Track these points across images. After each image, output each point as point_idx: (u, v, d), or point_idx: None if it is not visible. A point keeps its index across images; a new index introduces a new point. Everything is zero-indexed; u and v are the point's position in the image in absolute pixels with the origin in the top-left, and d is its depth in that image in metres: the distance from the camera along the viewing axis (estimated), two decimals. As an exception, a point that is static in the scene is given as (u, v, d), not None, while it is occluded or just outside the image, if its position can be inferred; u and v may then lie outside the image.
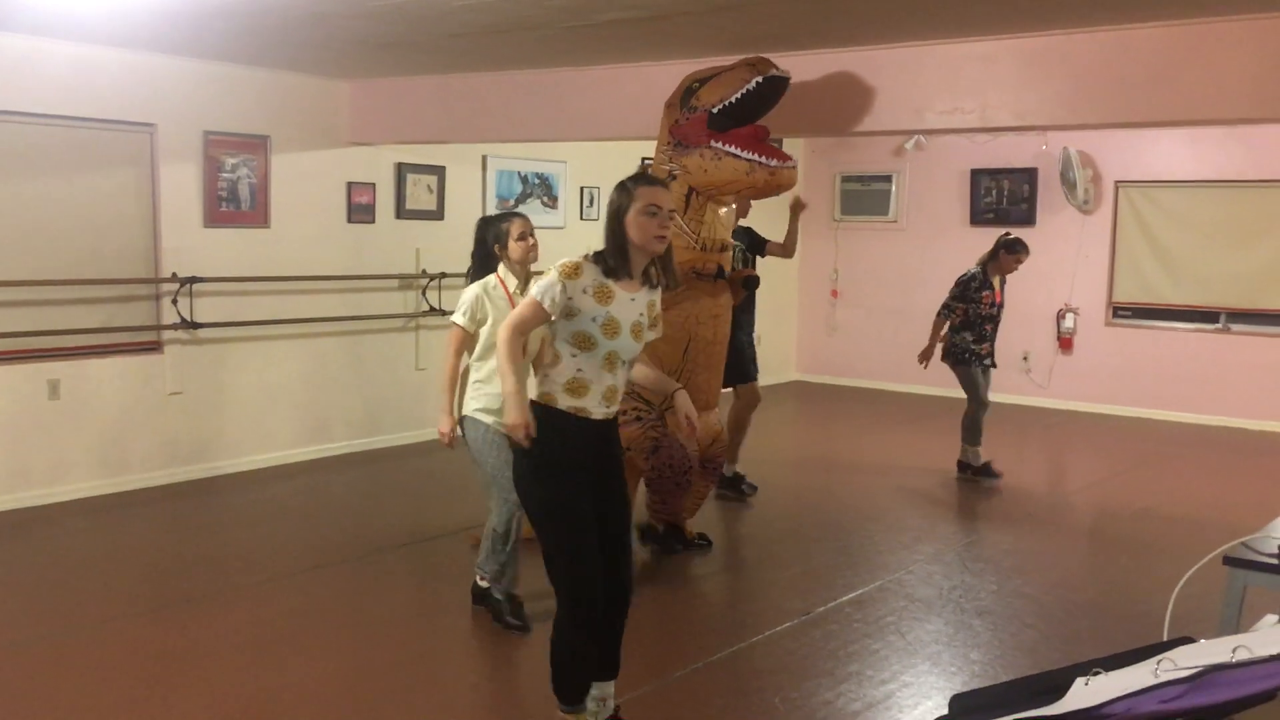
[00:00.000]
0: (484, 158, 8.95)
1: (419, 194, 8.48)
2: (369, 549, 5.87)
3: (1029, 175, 10.97)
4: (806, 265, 12.40)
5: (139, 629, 4.81)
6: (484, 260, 4.86)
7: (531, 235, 4.81)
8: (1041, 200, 10.94)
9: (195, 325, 7.12)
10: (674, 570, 5.84)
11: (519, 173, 9.27)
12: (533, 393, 3.51)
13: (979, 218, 11.20)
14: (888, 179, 11.82)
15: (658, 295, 3.65)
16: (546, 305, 3.40)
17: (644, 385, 3.86)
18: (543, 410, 3.46)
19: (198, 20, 5.62)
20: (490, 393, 4.63)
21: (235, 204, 7.38)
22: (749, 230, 7.49)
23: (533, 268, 4.81)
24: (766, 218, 7.83)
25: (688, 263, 5.70)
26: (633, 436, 5.84)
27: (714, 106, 5.58)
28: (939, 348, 7.83)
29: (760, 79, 5.48)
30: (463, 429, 4.77)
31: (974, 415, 7.82)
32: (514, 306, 4.61)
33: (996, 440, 8.37)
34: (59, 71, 6.46)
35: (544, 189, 9.49)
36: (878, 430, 9.99)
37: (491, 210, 9.00)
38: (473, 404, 4.73)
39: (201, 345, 7.26)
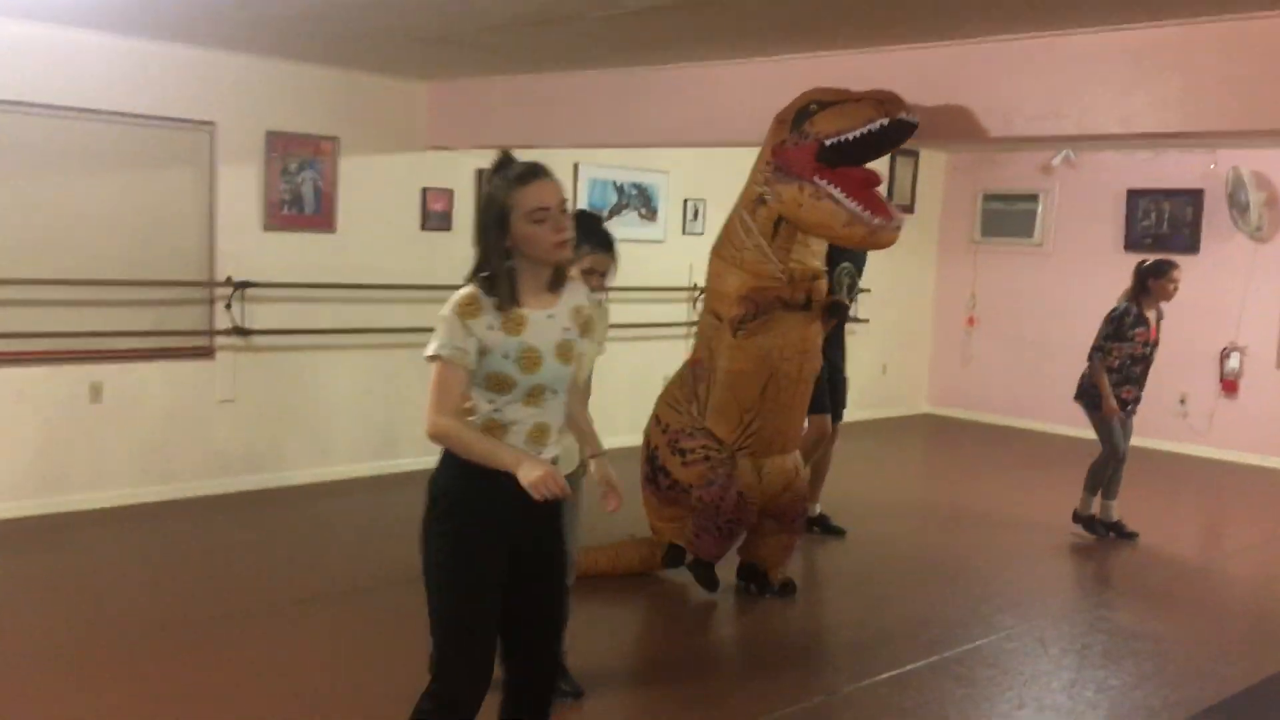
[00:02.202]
0: (575, 165, 8.47)
1: (503, 202, 8.05)
2: (418, 574, 5.48)
3: (1194, 197, 9.81)
4: (942, 290, 11.49)
5: (152, 649, 4.56)
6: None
7: (601, 279, 4.01)
8: (1207, 225, 9.76)
9: (247, 332, 6.87)
10: (700, 612, 5.22)
11: (614, 182, 8.76)
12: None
13: (1135, 243, 10.08)
14: (1034, 198, 10.81)
15: (582, 294, 3.02)
16: (455, 358, 2.75)
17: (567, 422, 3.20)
18: (454, 458, 2.86)
19: (214, 8, 5.32)
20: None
21: (299, 207, 7.11)
22: (865, 258, 6.76)
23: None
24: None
25: (773, 292, 5.09)
26: (698, 474, 5.31)
27: (829, 139, 4.84)
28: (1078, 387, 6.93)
29: (887, 120, 4.72)
30: None
31: (1102, 465, 6.88)
32: None
33: (1143, 491, 7.42)
34: (113, 66, 6.29)
35: (642, 200, 8.95)
36: (1006, 473, 9.04)
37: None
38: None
39: (257, 353, 7.01)
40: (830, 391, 6.61)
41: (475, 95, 7.39)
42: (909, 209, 11.04)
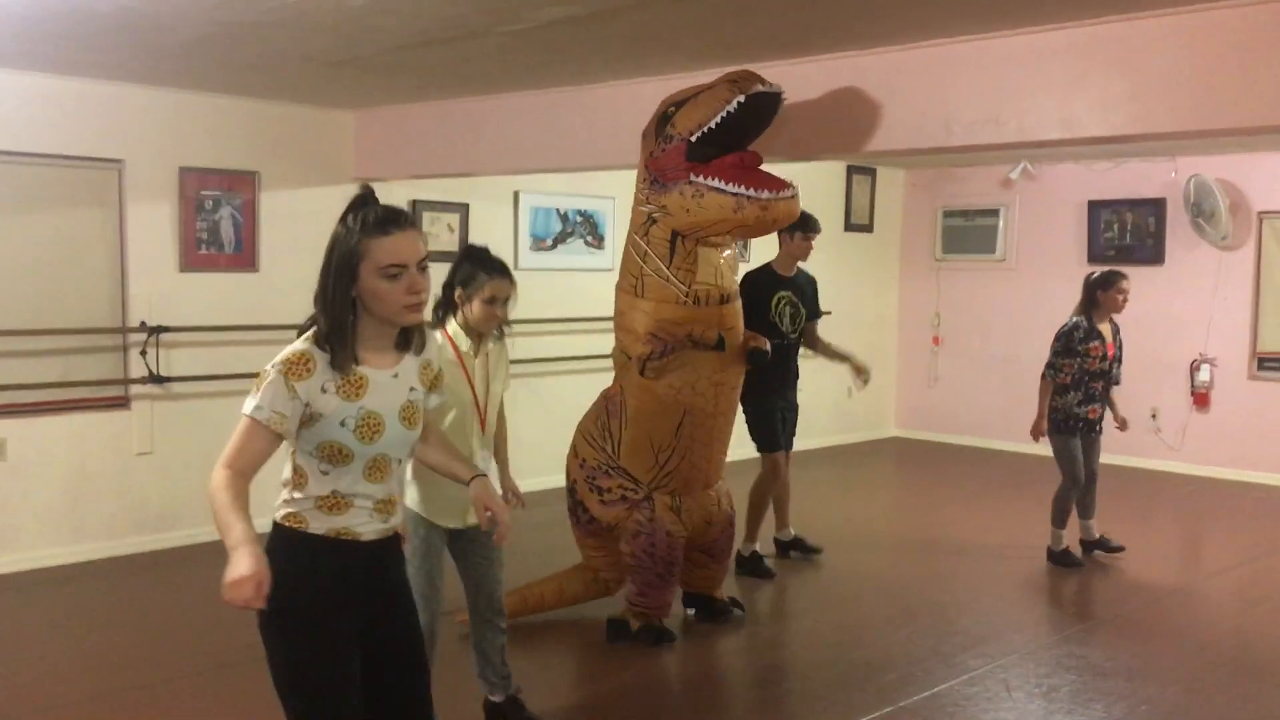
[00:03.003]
0: (516, 194, 8.15)
1: (439, 233, 7.72)
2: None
3: (1156, 207, 9.55)
4: (906, 310, 11.20)
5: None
6: (445, 303, 3.94)
7: (504, 307, 3.86)
8: (1171, 235, 9.50)
9: (164, 379, 6.49)
10: (648, 654, 4.86)
11: (558, 209, 8.43)
12: (276, 512, 2.58)
13: (1099, 255, 9.80)
14: (994, 213, 10.54)
15: (434, 348, 2.70)
16: (270, 423, 2.40)
17: (435, 469, 2.87)
18: (288, 537, 2.52)
19: (90, 39, 4.97)
20: (431, 484, 3.81)
21: (217, 246, 6.75)
22: (812, 282, 6.45)
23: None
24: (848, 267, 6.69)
25: (681, 323, 4.79)
26: (618, 517, 5.06)
27: (692, 134, 4.65)
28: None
29: (743, 97, 4.53)
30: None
31: (1065, 494, 6.55)
32: (466, 374, 3.81)
33: (1116, 511, 7.11)
34: (7, 103, 5.93)
35: (588, 228, 8.63)
36: (976, 498, 8.70)
37: (526, 250, 8.20)
38: (411, 492, 3.91)
39: (176, 401, 6.62)
40: (787, 424, 6.32)
41: (403, 123, 7.06)
42: (868, 228, 10.77)
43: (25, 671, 4.79)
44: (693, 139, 4.65)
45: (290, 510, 2.54)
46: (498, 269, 3.84)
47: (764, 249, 7.32)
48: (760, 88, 4.53)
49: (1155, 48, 4.10)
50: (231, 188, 6.78)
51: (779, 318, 6.16)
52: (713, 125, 4.59)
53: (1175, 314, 9.34)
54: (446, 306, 3.93)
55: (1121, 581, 6.39)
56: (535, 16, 4.30)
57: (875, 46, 4.77)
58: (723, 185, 4.60)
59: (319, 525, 2.52)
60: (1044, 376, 6.49)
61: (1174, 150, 9.12)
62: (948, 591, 6.11)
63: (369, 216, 2.45)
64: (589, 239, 8.63)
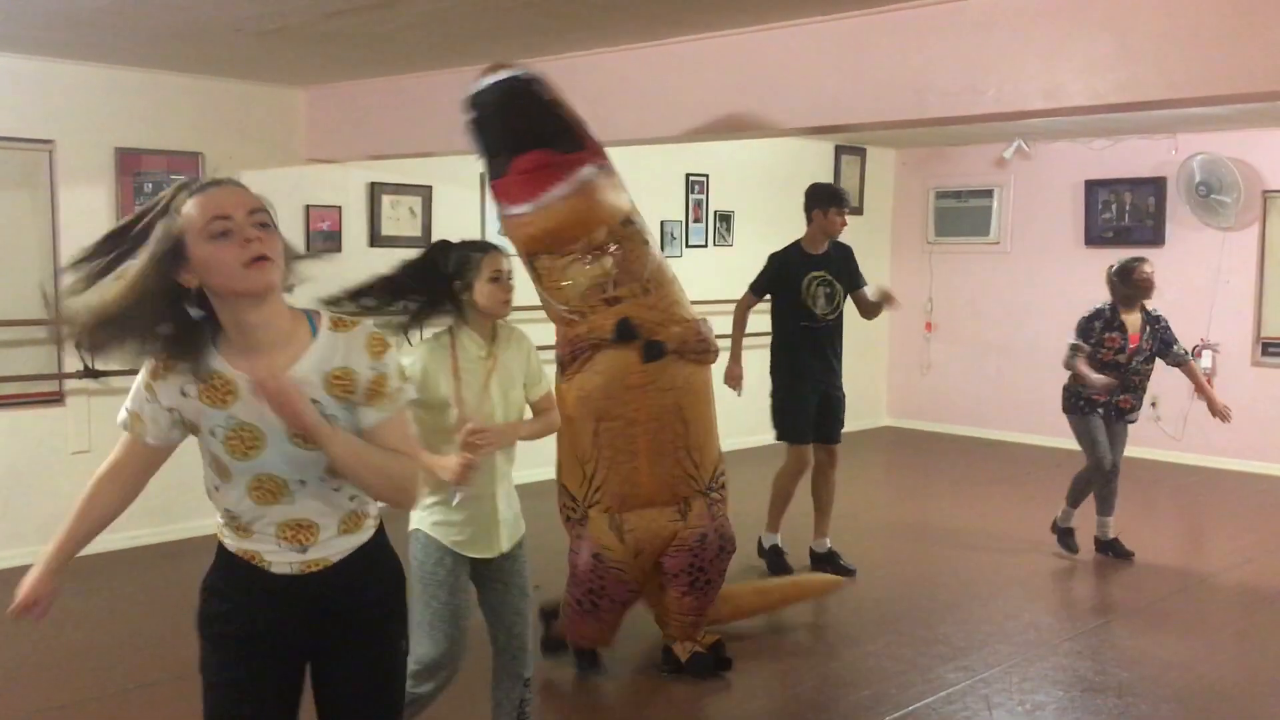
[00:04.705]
0: (482, 175, 7.75)
1: (399, 218, 7.35)
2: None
3: (1156, 186, 9.15)
4: (897, 294, 10.72)
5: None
6: (434, 299, 3.37)
7: (509, 280, 3.41)
8: (1172, 216, 9.11)
9: (100, 374, 6.11)
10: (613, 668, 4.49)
11: (527, 192, 8.04)
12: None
13: (1096, 237, 9.43)
14: (988, 194, 10.14)
15: (358, 350, 2.20)
16: (126, 424, 2.19)
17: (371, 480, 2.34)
18: (217, 544, 2.29)
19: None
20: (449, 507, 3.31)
21: (159, 232, 6.38)
22: (846, 251, 6.07)
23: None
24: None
25: (580, 338, 4.29)
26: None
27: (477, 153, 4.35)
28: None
29: (471, 105, 4.21)
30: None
31: (1086, 476, 6.25)
32: (485, 384, 3.33)
33: (1119, 503, 6.74)
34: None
35: (560, 210, 8.23)
36: (969, 490, 8.33)
37: (494, 236, 7.81)
38: (423, 514, 3.35)
39: (114, 396, 6.17)
40: (828, 413, 5.97)
41: (356, 100, 6.68)
42: (857, 211, 10.37)
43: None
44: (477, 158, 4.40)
45: (219, 520, 2.29)
46: (485, 245, 3.45)
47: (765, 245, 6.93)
48: (486, 80, 4.17)
49: (1145, 8, 3.71)
50: (174, 170, 6.40)
51: (811, 300, 5.82)
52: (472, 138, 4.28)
53: (1176, 298, 8.89)
54: (443, 306, 3.36)
55: (1118, 582, 6.04)
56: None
57: (841, 11, 4.38)
58: (509, 208, 4.25)
59: (231, 543, 2.26)
60: (1069, 360, 6.08)
61: (1174, 126, 8.72)
62: (931, 595, 5.74)
63: (183, 191, 2.09)
64: (561, 223, 8.23)
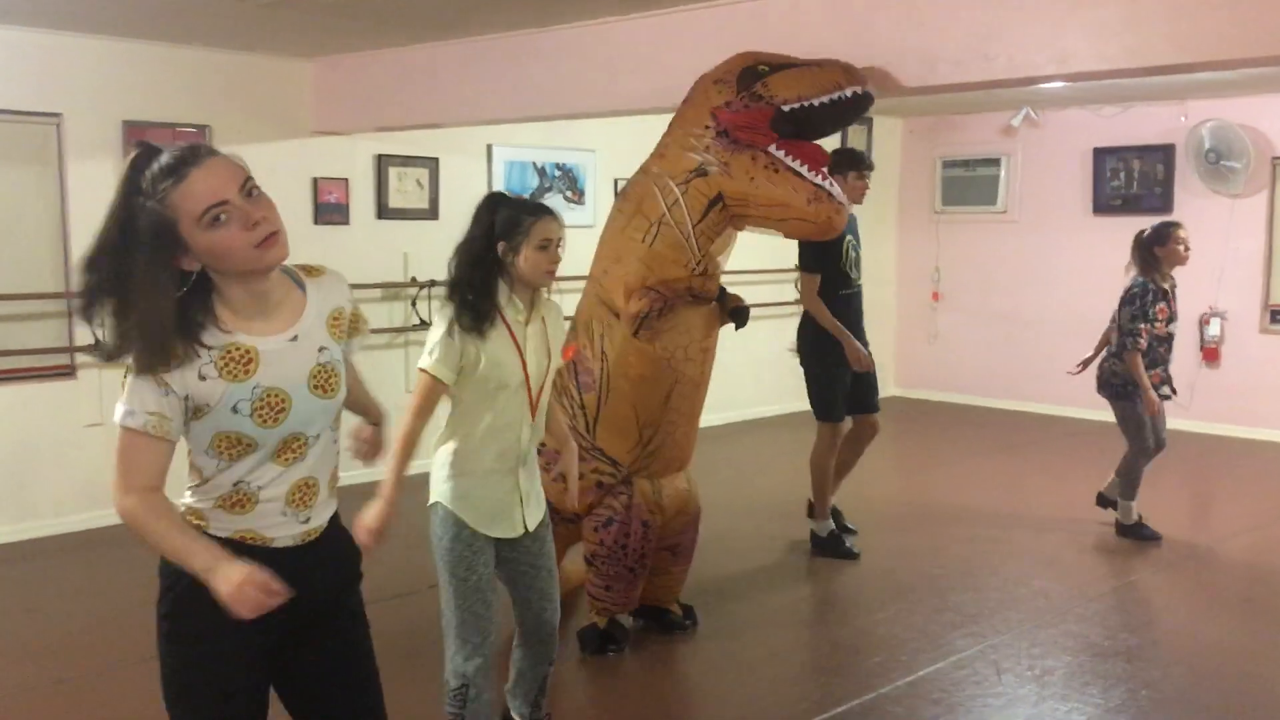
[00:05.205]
0: (489, 146, 7.76)
1: (406, 190, 7.35)
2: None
3: (1164, 153, 9.12)
4: (904, 264, 10.80)
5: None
6: (479, 261, 3.18)
7: (558, 249, 3.23)
8: (1179, 183, 9.08)
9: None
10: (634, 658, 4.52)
11: (534, 163, 8.05)
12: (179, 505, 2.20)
13: (1104, 206, 9.41)
14: (996, 162, 10.10)
15: (338, 289, 2.26)
16: (149, 428, 2.02)
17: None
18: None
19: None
20: (470, 480, 3.21)
21: (167, 205, 6.39)
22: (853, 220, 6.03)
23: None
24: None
25: (682, 282, 4.31)
26: (590, 505, 4.45)
27: (788, 104, 4.17)
28: (1093, 369, 6.21)
29: (858, 90, 4.19)
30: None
31: (1133, 462, 6.12)
32: (518, 348, 3.18)
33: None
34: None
35: (567, 182, 8.24)
36: (977, 460, 8.34)
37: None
38: (443, 487, 3.23)
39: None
40: (866, 382, 5.91)
41: (363, 72, 6.67)
42: (864, 179, 10.33)
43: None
44: (785, 109, 4.18)
45: (191, 505, 2.18)
46: (540, 208, 3.25)
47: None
48: (867, 88, 4.22)
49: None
50: (181, 142, 6.39)
51: (850, 265, 5.77)
52: (814, 104, 4.16)
53: (1184, 265, 8.90)
54: (487, 270, 3.17)
55: (1126, 550, 6.05)
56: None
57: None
58: (804, 171, 4.17)
59: (221, 527, 2.16)
60: (1123, 347, 5.94)
61: (1183, 93, 8.68)
62: (941, 563, 5.77)
63: (156, 168, 1.99)
64: (568, 194, 8.24)
